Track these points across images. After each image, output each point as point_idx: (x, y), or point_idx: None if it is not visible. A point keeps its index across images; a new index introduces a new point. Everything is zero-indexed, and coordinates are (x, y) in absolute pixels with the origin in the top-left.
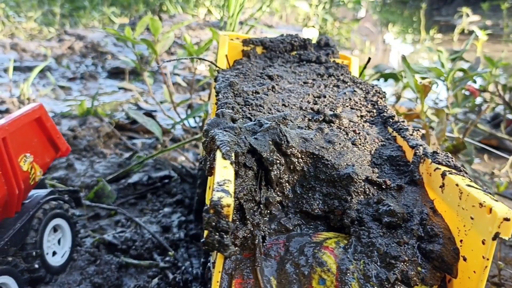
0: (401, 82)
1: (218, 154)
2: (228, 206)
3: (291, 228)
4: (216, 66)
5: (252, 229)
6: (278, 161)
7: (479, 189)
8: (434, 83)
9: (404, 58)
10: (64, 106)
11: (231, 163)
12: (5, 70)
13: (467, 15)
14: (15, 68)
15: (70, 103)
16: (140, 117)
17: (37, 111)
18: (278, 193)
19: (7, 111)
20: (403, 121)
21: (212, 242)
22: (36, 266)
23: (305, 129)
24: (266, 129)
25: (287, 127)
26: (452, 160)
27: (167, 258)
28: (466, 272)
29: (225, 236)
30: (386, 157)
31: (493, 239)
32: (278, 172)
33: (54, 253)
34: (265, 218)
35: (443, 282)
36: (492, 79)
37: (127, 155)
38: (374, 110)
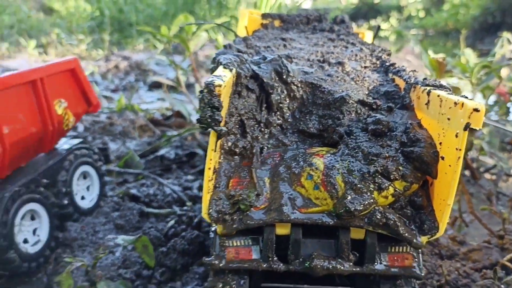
0: None
1: (220, 68)
2: (220, 86)
3: (288, 143)
4: (236, 34)
5: (251, 141)
6: (278, 87)
7: (458, 95)
8: (449, 63)
9: (421, 41)
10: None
11: (230, 70)
12: None
13: (509, 41)
14: None
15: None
16: (169, 99)
17: (72, 62)
18: (279, 116)
19: None
20: (403, 66)
21: (205, 117)
22: (65, 202)
23: (326, 68)
24: (269, 61)
25: (297, 65)
26: (439, 82)
27: (185, 208)
28: (443, 170)
29: (216, 112)
30: (382, 93)
31: (464, 129)
32: (279, 97)
33: (83, 197)
34: (265, 135)
35: (425, 186)
36: None
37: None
38: (378, 62)
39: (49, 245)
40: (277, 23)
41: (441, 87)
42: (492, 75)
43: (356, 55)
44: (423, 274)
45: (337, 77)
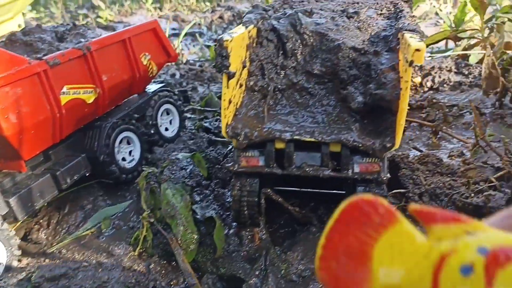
0: None
1: (239, 25)
2: (227, 41)
3: (296, 81)
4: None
5: (268, 81)
6: (293, 37)
7: (415, 37)
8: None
9: None
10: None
11: (246, 27)
12: (168, 36)
13: None
14: (175, 35)
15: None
16: None
17: (152, 23)
18: (293, 60)
19: None
20: (408, 13)
21: (217, 63)
22: (152, 131)
23: (337, 19)
24: (287, 16)
25: (310, 17)
26: (415, 27)
27: None
28: (401, 99)
29: (225, 59)
30: (382, 37)
31: (409, 65)
32: (293, 45)
33: (166, 129)
34: (280, 76)
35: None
36: None
37: None
38: (393, 9)
39: (141, 163)
40: None
41: (413, 31)
42: None
43: (378, 3)
44: (385, 179)
45: (343, 26)
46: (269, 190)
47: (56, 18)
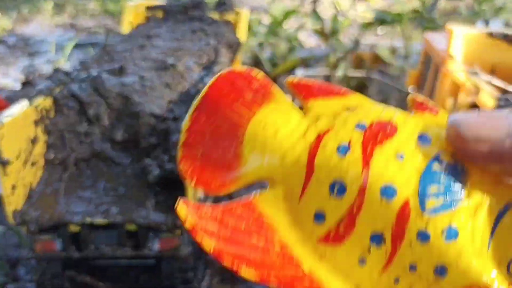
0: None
1: (25, 100)
2: None
3: (100, 150)
4: (115, 32)
5: (69, 151)
6: (96, 102)
7: None
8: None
9: (314, 10)
10: None
11: (30, 104)
12: (62, 48)
13: None
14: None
15: None
16: None
17: None
18: (99, 126)
19: None
20: (222, 63)
21: None
22: None
23: (147, 76)
24: (91, 79)
25: (125, 75)
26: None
27: None
28: None
29: None
30: (190, 95)
31: None
32: (97, 111)
33: None
34: (83, 145)
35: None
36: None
37: None
38: (213, 57)
39: None
40: (160, 14)
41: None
42: (422, 20)
43: (200, 49)
44: (186, 253)
45: (150, 86)
46: (72, 272)
47: None
